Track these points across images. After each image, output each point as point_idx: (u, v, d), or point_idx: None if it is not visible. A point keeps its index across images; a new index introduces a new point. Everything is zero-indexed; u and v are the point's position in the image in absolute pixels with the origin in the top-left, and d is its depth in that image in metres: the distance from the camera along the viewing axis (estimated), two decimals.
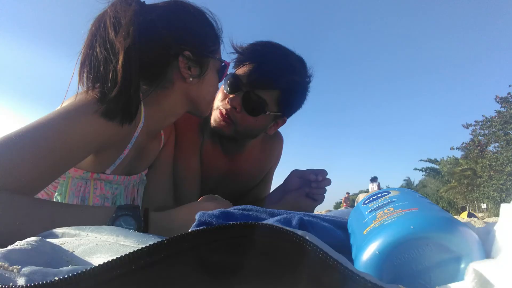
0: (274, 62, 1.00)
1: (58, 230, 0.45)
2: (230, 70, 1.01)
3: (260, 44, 1.04)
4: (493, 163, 15.58)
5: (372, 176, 14.72)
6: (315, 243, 0.24)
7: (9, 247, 0.33)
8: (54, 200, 0.79)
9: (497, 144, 15.96)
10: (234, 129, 1.03)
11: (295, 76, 1.02)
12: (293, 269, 0.24)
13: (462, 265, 0.30)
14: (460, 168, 19.40)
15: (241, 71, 1.01)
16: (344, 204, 15.77)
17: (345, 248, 0.39)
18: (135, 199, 0.95)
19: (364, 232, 0.35)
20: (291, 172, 1.09)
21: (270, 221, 0.42)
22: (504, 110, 15.40)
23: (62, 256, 0.35)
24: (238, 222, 0.25)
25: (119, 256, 0.22)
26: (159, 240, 0.24)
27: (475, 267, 0.26)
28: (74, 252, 0.36)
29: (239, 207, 0.48)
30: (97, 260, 0.34)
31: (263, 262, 0.24)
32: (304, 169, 1.07)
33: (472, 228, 0.32)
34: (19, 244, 0.34)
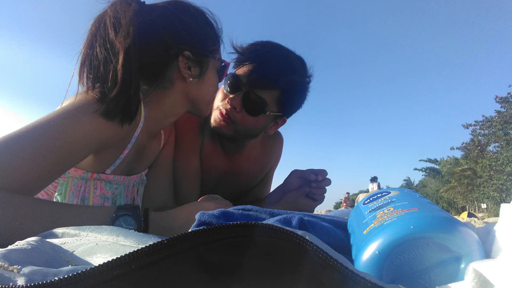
0: (274, 62, 1.00)
1: (58, 230, 0.45)
2: (230, 70, 1.01)
3: (260, 44, 1.04)
4: (493, 163, 15.58)
5: (372, 176, 14.73)
6: (315, 243, 0.24)
7: (9, 247, 0.33)
8: (54, 200, 0.78)
9: (497, 144, 15.97)
10: (234, 129, 1.03)
11: (295, 76, 1.02)
12: (293, 269, 0.24)
13: (462, 265, 0.30)
14: (460, 168, 19.42)
15: (241, 71, 1.01)
16: (344, 204, 15.76)
17: (345, 248, 0.39)
18: (135, 199, 0.95)
19: (364, 232, 0.35)
20: (291, 172, 1.09)
21: (270, 221, 0.42)
22: (504, 110, 15.42)
23: (62, 256, 0.35)
24: (238, 222, 0.25)
25: (119, 256, 0.22)
26: (159, 240, 0.24)
27: (475, 267, 0.26)
28: (74, 252, 0.36)
29: (239, 207, 0.48)
30: (97, 260, 0.34)
31: (263, 262, 0.24)
32: (304, 169, 1.07)
33: (472, 228, 0.32)
34: (19, 244, 0.34)
